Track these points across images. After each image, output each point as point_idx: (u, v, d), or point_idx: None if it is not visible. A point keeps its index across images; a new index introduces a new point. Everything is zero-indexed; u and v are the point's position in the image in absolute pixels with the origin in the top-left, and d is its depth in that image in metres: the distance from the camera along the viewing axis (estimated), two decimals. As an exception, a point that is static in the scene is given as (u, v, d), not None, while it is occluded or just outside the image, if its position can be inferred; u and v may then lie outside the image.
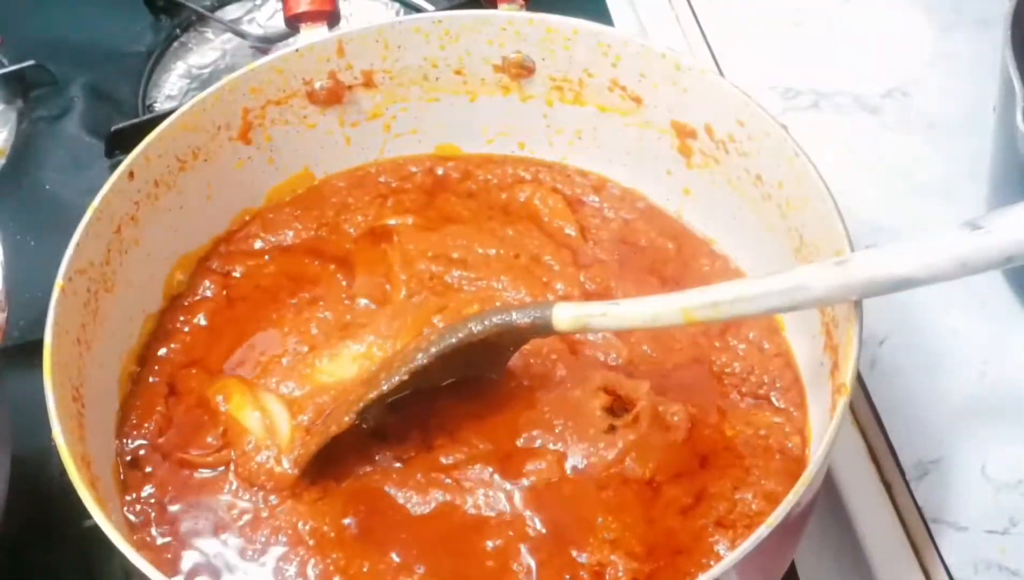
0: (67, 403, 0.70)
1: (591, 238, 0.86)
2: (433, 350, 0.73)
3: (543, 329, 0.71)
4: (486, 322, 0.72)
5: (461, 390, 0.76)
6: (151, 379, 0.80)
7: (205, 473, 0.75)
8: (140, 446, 0.77)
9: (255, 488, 0.74)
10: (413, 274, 0.84)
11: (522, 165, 0.91)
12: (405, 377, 0.73)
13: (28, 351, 0.74)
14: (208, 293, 0.85)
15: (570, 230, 0.87)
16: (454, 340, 0.73)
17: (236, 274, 0.86)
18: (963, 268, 0.61)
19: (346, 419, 0.73)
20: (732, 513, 0.71)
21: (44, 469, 0.83)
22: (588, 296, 0.82)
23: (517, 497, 0.72)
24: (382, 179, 0.91)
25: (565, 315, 0.70)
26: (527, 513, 0.72)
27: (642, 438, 0.73)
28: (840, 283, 0.63)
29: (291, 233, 0.88)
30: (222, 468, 0.75)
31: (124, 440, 0.77)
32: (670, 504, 0.72)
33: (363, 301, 0.84)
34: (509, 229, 0.86)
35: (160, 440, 0.77)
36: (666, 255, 0.85)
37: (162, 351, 0.82)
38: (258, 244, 0.88)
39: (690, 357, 0.79)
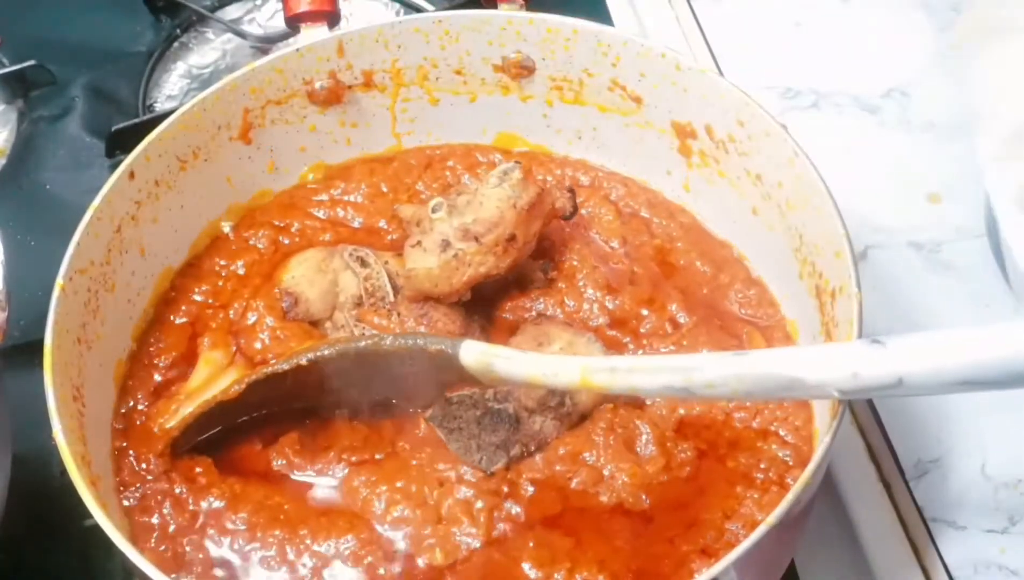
0: (67, 402, 0.70)
1: (631, 254, 0.84)
2: (338, 347, 0.73)
3: (450, 360, 0.71)
4: (399, 342, 0.73)
5: None
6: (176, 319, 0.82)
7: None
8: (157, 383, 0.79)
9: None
10: None
11: (581, 168, 0.90)
12: (303, 362, 0.73)
13: (28, 351, 0.74)
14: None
15: (615, 244, 0.85)
16: (362, 345, 0.73)
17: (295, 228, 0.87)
18: (854, 378, 0.60)
19: (233, 390, 0.73)
20: (718, 542, 0.70)
21: (45, 469, 0.83)
22: (609, 323, 0.81)
23: (516, 514, 0.72)
24: (450, 163, 0.91)
25: (471, 352, 0.70)
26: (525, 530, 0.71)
27: (648, 476, 0.73)
28: (734, 372, 0.63)
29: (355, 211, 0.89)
30: None
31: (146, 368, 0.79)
32: (661, 531, 0.71)
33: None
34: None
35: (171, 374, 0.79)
36: (701, 279, 0.83)
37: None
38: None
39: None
